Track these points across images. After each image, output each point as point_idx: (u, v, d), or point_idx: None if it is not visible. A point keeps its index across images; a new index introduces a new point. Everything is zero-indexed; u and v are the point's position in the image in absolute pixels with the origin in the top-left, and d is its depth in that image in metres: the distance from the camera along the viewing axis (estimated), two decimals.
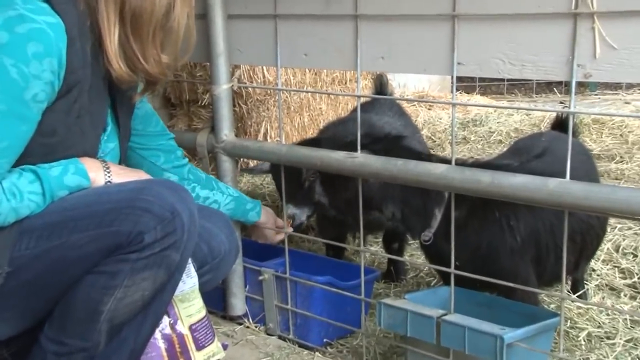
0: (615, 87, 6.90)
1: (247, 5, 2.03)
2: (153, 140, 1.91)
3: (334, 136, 2.47)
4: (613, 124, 4.49)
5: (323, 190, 2.17)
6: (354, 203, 1.93)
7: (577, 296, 2.32)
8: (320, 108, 4.36)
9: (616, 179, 3.71)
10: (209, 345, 1.66)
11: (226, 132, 2.14)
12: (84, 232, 1.41)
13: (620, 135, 4.40)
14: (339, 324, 2.12)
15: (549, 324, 1.75)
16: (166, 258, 1.44)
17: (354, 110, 2.69)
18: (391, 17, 1.72)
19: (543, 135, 2.50)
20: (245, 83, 3.72)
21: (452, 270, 1.76)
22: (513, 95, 7.26)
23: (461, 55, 1.62)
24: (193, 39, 1.66)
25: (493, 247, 1.93)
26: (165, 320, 1.59)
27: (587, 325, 2.16)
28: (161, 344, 1.58)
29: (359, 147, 1.86)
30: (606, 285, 2.49)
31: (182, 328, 1.61)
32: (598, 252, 2.50)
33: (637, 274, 2.51)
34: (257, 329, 2.26)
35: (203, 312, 1.66)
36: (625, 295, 2.42)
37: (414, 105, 5.38)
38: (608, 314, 2.23)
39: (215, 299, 2.27)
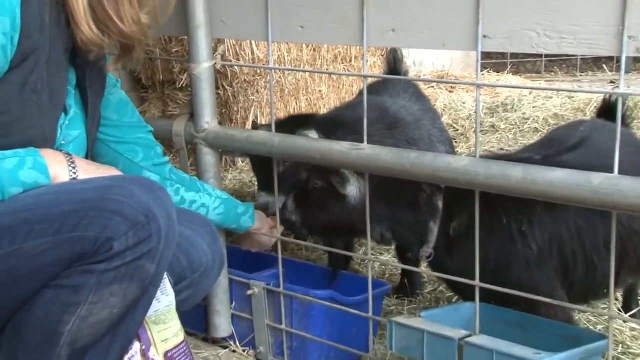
0: None
1: None
2: (129, 133, 1.92)
3: (335, 117, 2.47)
4: None
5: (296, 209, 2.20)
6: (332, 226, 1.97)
7: (629, 315, 2.33)
8: (320, 91, 4.37)
9: None
10: None
11: (208, 119, 2.15)
12: (40, 239, 1.41)
13: None
14: (343, 347, 2.14)
15: (595, 348, 1.75)
16: (139, 269, 1.44)
17: (361, 93, 2.71)
18: None
19: (583, 124, 2.51)
20: (231, 61, 3.73)
21: (476, 283, 1.78)
22: (552, 74, 7.27)
23: (487, 27, 1.62)
24: None
25: (503, 259, 1.96)
26: (136, 345, 1.59)
27: None
28: None
29: (365, 137, 1.86)
30: None
31: (156, 355, 1.61)
32: None
33: None
34: (245, 353, 2.27)
35: (181, 336, 1.67)
36: None
37: (432, 86, 5.39)
38: None
39: (196, 319, 2.29)
